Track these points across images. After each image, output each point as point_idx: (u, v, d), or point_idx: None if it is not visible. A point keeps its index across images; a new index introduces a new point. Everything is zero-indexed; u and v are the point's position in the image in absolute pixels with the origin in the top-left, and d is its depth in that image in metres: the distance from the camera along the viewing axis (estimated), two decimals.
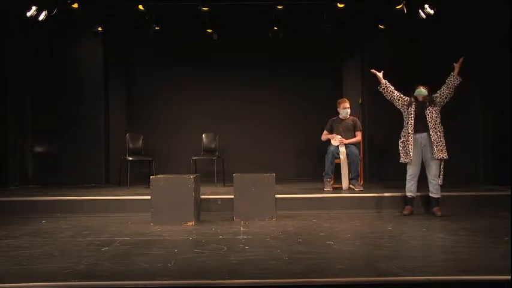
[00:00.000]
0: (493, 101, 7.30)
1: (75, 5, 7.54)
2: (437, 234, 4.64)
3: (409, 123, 5.83)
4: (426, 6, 7.53)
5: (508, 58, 6.47)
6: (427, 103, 5.78)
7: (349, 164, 6.93)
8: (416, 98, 5.87)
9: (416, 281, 3.06)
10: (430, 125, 5.71)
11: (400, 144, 5.95)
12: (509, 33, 6.38)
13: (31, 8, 7.45)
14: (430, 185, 5.79)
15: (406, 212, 5.83)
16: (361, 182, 7.04)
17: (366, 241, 4.39)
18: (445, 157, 5.70)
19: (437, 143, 5.68)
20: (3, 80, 8.15)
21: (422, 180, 5.93)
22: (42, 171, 8.47)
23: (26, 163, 8.50)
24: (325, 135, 7.14)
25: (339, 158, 6.91)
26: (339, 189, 6.90)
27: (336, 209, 6.13)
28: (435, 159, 5.68)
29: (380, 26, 8.35)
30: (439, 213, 5.65)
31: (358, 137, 7.10)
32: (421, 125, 5.76)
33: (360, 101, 8.61)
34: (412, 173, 5.86)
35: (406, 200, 5.96)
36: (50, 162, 8.51)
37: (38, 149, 8.65)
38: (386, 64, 8.64)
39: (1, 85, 8.12)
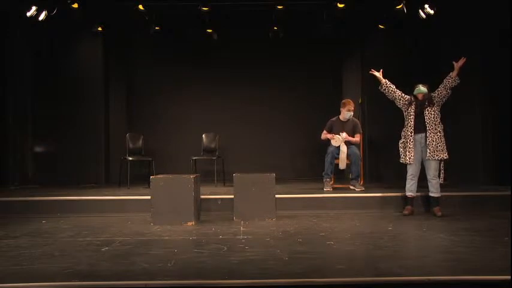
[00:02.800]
0: (493, 101, 7.31)
1: (75, 5, 7.55)
2: (437, 234, 4.63)
3: (409, 124, 5.83)
4: (426, 6, 7.53)
5: (508, 58, 6.47)
6: (426, 103, 5.76)
7: (349, 165, 6.92)
8: (416, 97, 5.86)
9: (416, 281, 3.06)
10: (429, 126, 5.70)
11: (400, 144, 5.95)
12: (509, 33, 6.38)
13: (31, 8, 7.45)
14: (429, 185, 5.79)
15: (406, 212, 5.83)
16: (361, 182, 7.05)
17: (366, 241, 4.39)
18: (445, 157, 5.70)
19: (436, 143, 5.67)
20: (3, 80, 8.16)
21: (423, 180, 5.92)
22: (42, 171, 8.47)
23: (26, 163, 8.50)
24: (324, 135, 7.13)
25: (339, 158, 6.90)
26: (339, 189, 6.90)
27: (336, 209, 6.14)
28: (434, 159, 5.67)
29: (380, 26, 8.36)
30: (439, 213, 5.65)
31: (357, 138, 7.08)
32: (420, 125, 5.76)
33: (360, 101, 8.62)
34: (412, 172, 5.86)
35: (406, 200, 5.96)
36: (50, 162, 8.51)
37: (38, 149, 8.65)
38: (386, 64, 8.65)
39: (1, 85, 8.12)
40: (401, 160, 5.93)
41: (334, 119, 7.19)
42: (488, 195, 6.27)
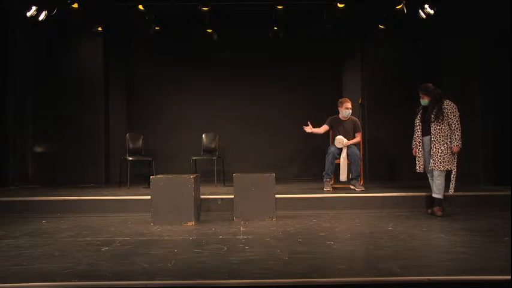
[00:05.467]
0: (493, 101, 7.31)
1: (75, 5, 7.55)
2: (437, 234, 4.64)
3: (417, 135, 5.80)
4: (426, 6, 7.54)
5: (508, 58, 6.47)
6: (434, 113, 5.60)
7: (349, 164, 6.92)
8: (424, 106, 5.79)
9: (416, 281, 3.06)
10: (434, 137, 5.59)
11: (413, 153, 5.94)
12: (509, 33, 6.39)
13: (31, 8, 7.44)
14: (434, 185, 5.74)
15: (429, 211, 5.81)
16: (361, 182, 7.05)
17: (366, 241, 4.39)
18: (449, 168, 5.59)
19: (443, 154, 5.54)
20: (3, 80, 8.15)
21: (427, 180, 5.91)
22: (42, 171, 8.47)
23: (26, 163, 8.50)
24: (324, 128, 7.14)
25: (339, 158, 6.91)
26: (339, 189, 6.90)
27: (336, 209, 6.14)
28: (439, 170, 5.59)
29: (380, 26, 8.36)
30: (439, 213, 5.63)
31: (358, 138, 7.10)
32: (428, 129, 5.70)
33: (359, 101, 8.62)
34: (429, 174, 5.84)
35: (432, 199, 5.89)
36: (50, 162, 8.51)
37: (38, 149, 8.65)
38: (386, 64, 8.70)
39: (1, 85, 8.12)
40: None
41: (333, 117, 7.19)
42: (488, 195, 6.27)
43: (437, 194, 5.72)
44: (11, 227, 5.20)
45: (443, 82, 6.98)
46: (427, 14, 7.62)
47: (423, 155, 5.78)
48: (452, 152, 5.59)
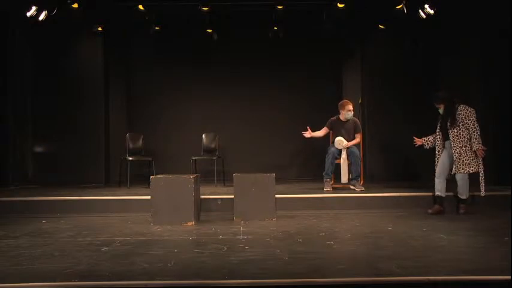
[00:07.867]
0: (493, 101, 7.31)
1: (75, 5, 7.55)
2: (437, 234, 4.63)
3: (438, 137, 5.88)
4: (426, 6, 7.53)
5: (508, 58, 6.47)
6: (449, 121, 5.70)
7: (349, 165, 6.92)
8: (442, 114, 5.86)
9: (416, 281, 3.06)
10: (453, 143, 5.67)
11: None
12: (509, 33, 6.39)
13: (31, 8, 7.44)
14: (458, 187, 5.81)
15: (430, 211, 5.82)
16: (361, 182, 7.04)
17: (366, 241, 4.39)
18: (471, 171, 5.64)
19: (462, 157, 5.61)
20: (3, 80, 8.15)
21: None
22: (42, 171, 8.47)
23: (26, 163, 8.49)
24: (324, 131, 7.14)
25: (339, 158, 6.91)
26: (339, 189, 6.90)
27: (336, 209, 6.14)
28: (460, 173, 5.64)
29: (380, 26, 8.36)
30: (462, 211, 5.73)
31: (358, 138, 7.09)
32: (447, 135, 5.77)
33: (359, 101, 8.63)
34: (437, 171, 5.87)
35: (434, 199, 5.94)
36: (50, 162, 8.50)
37: (38, 149, 8.64)
38: (386, 64, 8.70)
39: (1, 85, 8.12)
40: None
41: (334, 118, 7.18)
42: (489, 195, 6.26)
43: (462, 195, 5.78)
44: (11, 227, 5.20)
45: (443, 82, 6.99)
46: (427, 14, 7.61)
47: (447, 156, 5.81)
48: (476, 155, 5.62)
